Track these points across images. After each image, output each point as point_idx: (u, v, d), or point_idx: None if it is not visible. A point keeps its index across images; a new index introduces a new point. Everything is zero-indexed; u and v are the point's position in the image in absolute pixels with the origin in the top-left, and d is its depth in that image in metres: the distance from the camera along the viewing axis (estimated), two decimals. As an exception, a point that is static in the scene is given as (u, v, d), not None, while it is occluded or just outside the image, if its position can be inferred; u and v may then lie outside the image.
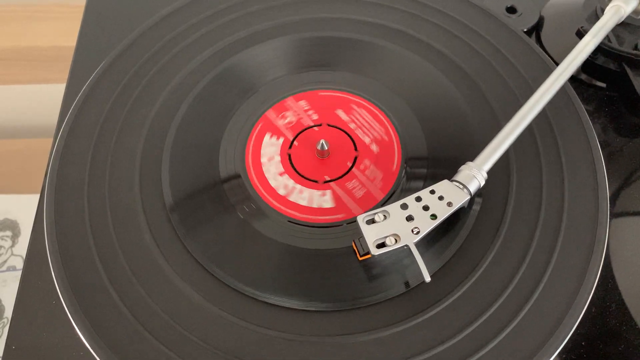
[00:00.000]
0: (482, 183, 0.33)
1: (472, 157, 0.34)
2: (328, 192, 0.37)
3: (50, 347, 0.34)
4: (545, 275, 0.32)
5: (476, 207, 0.35)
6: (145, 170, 0.36)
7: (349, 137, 0.39)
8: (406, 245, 0.31)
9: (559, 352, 0.30)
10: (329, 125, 0.40)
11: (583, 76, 0.45)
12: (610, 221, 0.34)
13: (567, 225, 0.33)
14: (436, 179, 0.34)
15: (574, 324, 0.30)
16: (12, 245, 0.75)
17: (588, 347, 0.34)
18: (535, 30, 0.48)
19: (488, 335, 0.30)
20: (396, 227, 0.32)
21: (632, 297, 0.35)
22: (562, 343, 0.30)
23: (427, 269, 0.31)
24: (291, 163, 0.39)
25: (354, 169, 0.38)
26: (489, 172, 0.34)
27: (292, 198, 0.37)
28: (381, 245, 0.32)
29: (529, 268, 0.32)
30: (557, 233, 0.33)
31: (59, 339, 0.34)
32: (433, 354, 0.30)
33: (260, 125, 0.40)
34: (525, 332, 0.30)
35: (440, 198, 0.33)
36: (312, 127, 0.40)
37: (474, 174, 0.33)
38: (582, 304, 0.31)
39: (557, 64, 0.38)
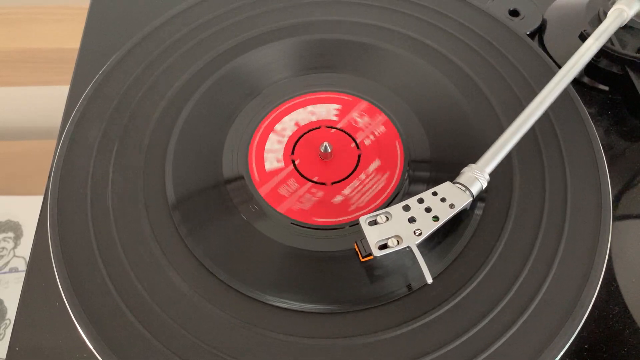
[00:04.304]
0: (485, 185, 0.33)
1: (474, 159, 0.34)
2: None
3: (53, 349, 0.34)
4: (547, 278, 0.32)
5: (479, 210, 0.35)
6: (148, 171, 0.36)
7: (354, 170, 0.38)
8: (408, 247, 0.31)
9: (562, 355, 0.30)
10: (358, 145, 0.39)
11: (586, 79, 0.45)
12: (612, 224, 0.34)
13: (570, 228, 0.33)
14: (439, 181, 0.34)
15: (577, 327, 0.30)
16: (15, 247, 0.75)
17: (591, 350, 0.33)
18: (538, 33, 0.48)
19: (490, 339, 0.30)
20: (398, 229, 0.32)
21: (635, 301, 0.35)
22: (565, 346, 0.30)
23: (430, 270, 0.31)
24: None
25: (314, 186, 0.37)
26: (492, 175, 0.34)
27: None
28: (383, 246, 0.32)
29: (532, 271, 0.32)
30: (559, 235, 0.33)
31: (62, 340, 0.34)
32: (434, 357, 0.30)
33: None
34: (528, 335, 0.30)
35: (443, 200, 0.33)
36: (355, 140, 0.39)
37: (476, 176, 0.33)
38: (585, 307, 0.31)
39: (560, 67, 0.38)
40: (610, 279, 0.36)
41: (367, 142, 0.39)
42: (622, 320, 0.35)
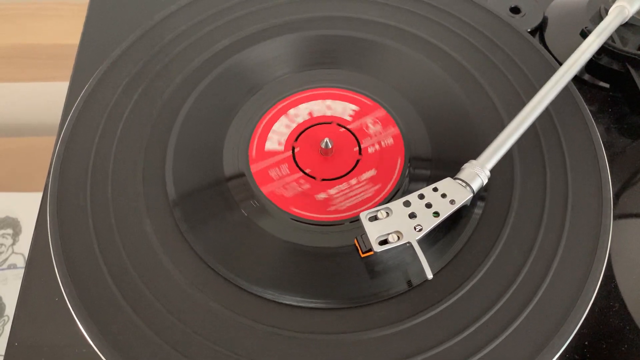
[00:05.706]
0: (485, 181, 0.33)
1: (475, 155, 0.34)
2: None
3: (52, 344, 0.34)
4: (548, 275, 0.32)
5: (479, 208, 0.34)
6: (148, 168, 0.36)
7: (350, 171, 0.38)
8: (409, 243, 0.31)
9: (562, 352, 0.30)
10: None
11: (587, 76, 0.45)
12: (613, 221, 0.34)
13: (571, 225, 0.33)
14: (439, 177, 0.34)
15: (577, 324, 0.30)
16: (13, 244, 0.75)
17: (591, 347, 0.33)
18: (539, 30, 0.48)
19: (491, 335, 0.30)
20: (399, 224, 0.32)
21: (635, 298, 0.35)
22: (565, 343, 0.30)
23: (430, 266, 0.31)
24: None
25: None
26: (492, 171, 0.34)
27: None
28: (383, 242, 0.32)
29: (532, 267, 0.32)
30: (560, 232, 0.33)
31: (61, 336, 0.34)
32: (435, 353, 0.29)
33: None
34: (529, 331, 0.30)
35: (443, 196, 0.33)
36: (357, 142, 0.39)
37: (477, 172, 0.33)
38: (585, 304, 0.31)
39: (561, 64, 0.38)
40: (611, 276, 0.36)
41: (367, 142, 0.39)
42: (622, 317, 0.35)
